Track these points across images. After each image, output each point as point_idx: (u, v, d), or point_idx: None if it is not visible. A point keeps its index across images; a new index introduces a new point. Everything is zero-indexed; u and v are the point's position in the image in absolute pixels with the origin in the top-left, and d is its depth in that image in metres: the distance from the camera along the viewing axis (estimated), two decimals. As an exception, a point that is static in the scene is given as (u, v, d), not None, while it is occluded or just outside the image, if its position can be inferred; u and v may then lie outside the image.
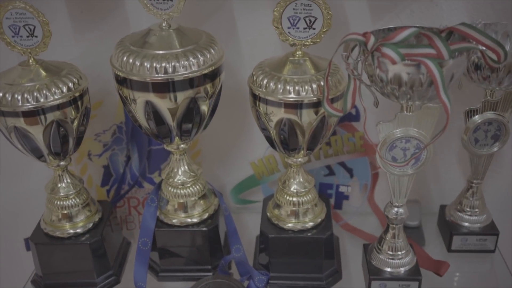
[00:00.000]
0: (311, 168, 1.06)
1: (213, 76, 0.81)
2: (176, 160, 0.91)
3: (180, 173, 0.91)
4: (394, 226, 0.87)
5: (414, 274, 0.87)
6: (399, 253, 0.88)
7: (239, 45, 0.97)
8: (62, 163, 0.88)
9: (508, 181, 1.08)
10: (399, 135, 0.76)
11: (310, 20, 0.77)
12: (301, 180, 0.90)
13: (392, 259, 0.88)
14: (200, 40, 0.81)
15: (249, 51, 0.97)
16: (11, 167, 1.10)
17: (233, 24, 0.96)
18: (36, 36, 0.80)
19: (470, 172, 0.97)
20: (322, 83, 0.77)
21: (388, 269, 0.88)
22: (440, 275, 0.90)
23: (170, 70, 0.77)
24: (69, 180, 0.91)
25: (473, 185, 0.97)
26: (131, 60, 0.77)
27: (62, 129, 0.83)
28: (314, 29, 0.78)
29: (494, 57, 0.72)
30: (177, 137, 0.85)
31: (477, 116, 0.89)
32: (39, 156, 0.85)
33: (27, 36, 0.80)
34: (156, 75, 0.77)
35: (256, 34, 0.96)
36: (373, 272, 0.88)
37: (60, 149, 0.85)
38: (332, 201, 1.09)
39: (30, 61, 0.82)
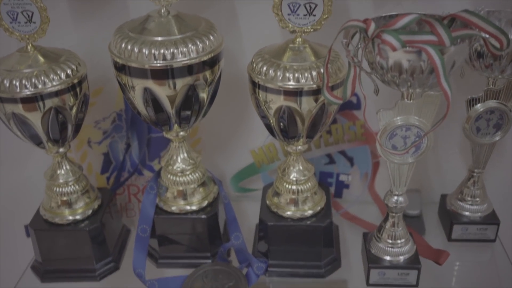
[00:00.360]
0: (311, 157, 1.06)
1: (212, 63, 0.80)
2: (175, 148, 0.91)
3: (179, 160, 0.91)
4: (394, 214, 0.87)
5: (413, 262, 0.87)
6: (399, 241, 0.87)
7: (240, 33, 0.97)
8: (61, 149, 0.88)
9: (509, 171, 1.07)
10: (399, 123, 0.76)
11: (310, 7, 0.76)
12: (301, 168, 0.89)
13: (392, 247, 0.87)
14: (199, 27, 0.80)
15: (249, 39, 0.96)
16: (11, 155, 1.10)
17: (234, 12, 0.96)
18: (34, 22, 0.79)
19: (472, 162, 0.96)
20: (322, 70, 0.76)
21: (387, 258, 0.88)
22: (439, 264, 0.90)
23: (168, 56, 0.76)
24: (68, 167, 0.91)
25: (475, 174, 0.96)
26: (129, 47, 0.77)
27: (60, 116, 0.83)
28: (314, 15, 0.77)
29: (497, 44, 0.72)
30: (176, 125, 0.85)
31: (479, 105, 0.88)
32: (38, 142, 0.85)
33: (25, 22, 0.79)
34: (155, 62, 0.76)
35: (256, 21, 0.95)
36: (372, 261, 0.88)
37: (59, 136, 0.85)
38: (332, 189, 1.09)
39: (29, 47, 0.82)
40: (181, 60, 0.77)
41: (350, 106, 1.01)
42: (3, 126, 0.85)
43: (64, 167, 0.90)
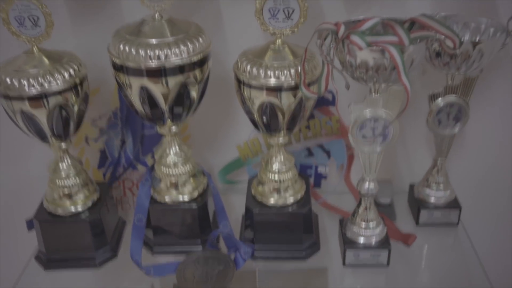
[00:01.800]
0: (292, 150, 1.12)
1: (201, 63, 0.87)
2: (168, 142, 0.97)
3: (172, 153, 0.97)
4: (366, 199, 0.94)
5: (384, 244, 0.95)
6: (371, 223, 0.95)
7: (225, 36, 1.03)
8: (63, 144, 0.94)
9: (469, 159, 1.14)
10: (368, 115, 0.84)
11: (288, 12, 0.83)
12: (282, 159, 0.97)
13: (365, 229, 0.95)
14: (190, 30, 0.87)
15: (234, 41, 1.03)
16: (11, 153, 1.15)
17: (220, 16, 1.02)
18: (40, 26, 0.85)
19: (435, 151, 1.04)
20: (299, 69, 0.84)
21: (361, 240, 0.95)
22: (408, 245, 0.98)
23: (162, 57, 0.83)
24: (69, 161, 0.96)
25: (438, 163, 1.04)
26: (127, 48, 0.83)
27: (64, 113, 0.89)
28: (292, 19, 0.84)
29: (451, 44, 0.81)
30: (169, 120, 0.92)
31: (439, 99, 0.96)
32: (43, 137, 0.91)
33: (31, 26, 0.85)
34: (150, 62, 0.83)
35: (240, 25, 1.01)
36: (347, 243, 0.96)
37: (62, 131, 0.91)
38: (311, 180, 1.16)
39: (34, 49, 0.88)
40: (174, 60, 0.84)
41: (326, 103, 1.08)
42: (4, 125, 0.89)
43: (66, 161, 0.96)
